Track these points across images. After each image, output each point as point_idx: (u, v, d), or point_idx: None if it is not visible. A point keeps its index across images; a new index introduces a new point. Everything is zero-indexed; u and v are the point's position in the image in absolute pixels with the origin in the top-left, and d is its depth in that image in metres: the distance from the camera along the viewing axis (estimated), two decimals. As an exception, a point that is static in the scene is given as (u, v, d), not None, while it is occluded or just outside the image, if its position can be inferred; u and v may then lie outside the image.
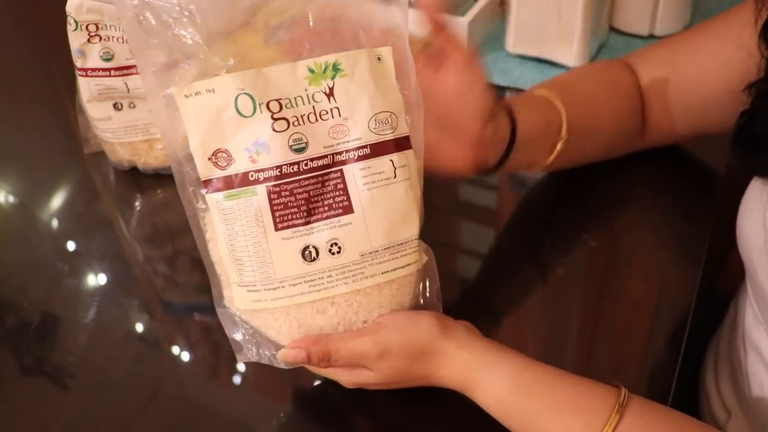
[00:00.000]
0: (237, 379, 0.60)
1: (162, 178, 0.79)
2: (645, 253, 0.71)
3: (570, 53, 0.88)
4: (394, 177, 0.50)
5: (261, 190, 0.48)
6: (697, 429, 0.49)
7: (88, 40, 0.72)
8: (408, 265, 0.51)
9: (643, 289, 0.67)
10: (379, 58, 0.50)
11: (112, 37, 0.72)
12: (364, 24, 0.50)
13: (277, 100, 0.48)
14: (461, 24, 0.89)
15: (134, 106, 0.76)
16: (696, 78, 0.67)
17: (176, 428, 0.57)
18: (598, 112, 0.67)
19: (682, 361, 0.58)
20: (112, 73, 0.74)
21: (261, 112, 0.47)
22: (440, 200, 0.73)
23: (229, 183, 0.48)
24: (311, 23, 0.49)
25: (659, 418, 0.49)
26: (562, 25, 0.87)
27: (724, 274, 0.98)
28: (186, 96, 0.47)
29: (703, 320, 0.71)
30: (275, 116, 0.48)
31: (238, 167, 0.48)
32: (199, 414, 0.58)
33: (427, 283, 0.54)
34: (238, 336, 0.52)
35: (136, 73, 0.74)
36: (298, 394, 0.59)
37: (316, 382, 0.59)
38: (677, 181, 0.76)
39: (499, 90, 0.89)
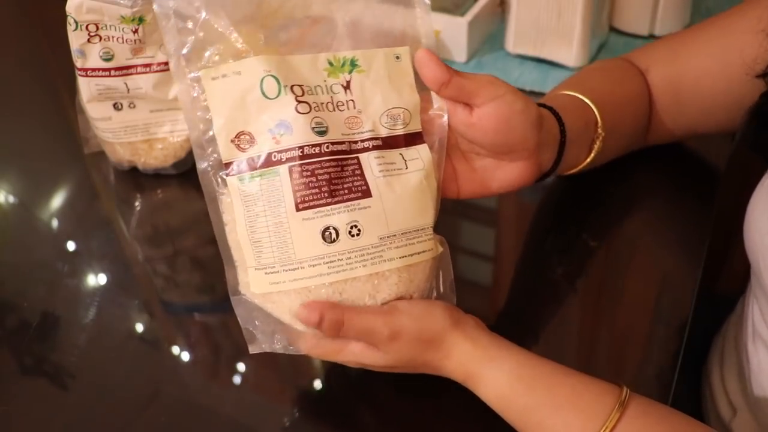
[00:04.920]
0: (237, 379, 0.60)
1: (162, 178, 0.79)
2: (645, 253, 0.71)
3: (570, 53, 0.88)
4: (406, 168, 0.51)
5: (284, 170, 0.48)
6: (696, 430, 0.49)
7: (88, 40, 0.72)
8: (424, 251, 0.51)
9: (643, 289, 0.67)
10: (397, 57, 0.52)
11: (112, 37, 0.72)
12: (385, 25, 0.52)
13: (299, 85, 0.50)
14: (461, 24, 0.89)
15: (134, 106, 0.76)
16: (696, 78, 0.67)
17: (176, 428, 0.57)
18: (619, 110, 0.67)
19: (683, 360, 0.58)
20: (112, 73, 0.74)
21: (285, 94, 0.49)
22: (441, 200, 0.73)
23: (251, 164, 0.49)
24: (335, 22, 0.51)
25: (659, 418, 0.49)
26: (562, 25, 0.87)
27: (725, 274, 0.98)
28: (213, 78, 0.49)
29: (703, 320, 0.71)
30: (299, 99, 0.49)
31: (260, 149, 0.49)
32: (199, 414, 0.58)
33: (442, 274, 0.54)
34: (251, 325, 0.52)
35: (136, 73, 0.74)
36: (298, 395, 0.59)
37: (317, 382, 0.59)
38: (677, 181, 0.76)
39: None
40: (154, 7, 0.49)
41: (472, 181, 0.57)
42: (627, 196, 0.75)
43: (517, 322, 0.64)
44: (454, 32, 0.90)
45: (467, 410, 0.53)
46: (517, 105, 0.52)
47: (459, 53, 0.91)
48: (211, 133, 0.49)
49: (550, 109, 0.60)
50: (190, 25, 0.49)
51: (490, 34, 0.97)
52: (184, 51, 0.49)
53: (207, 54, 0.49)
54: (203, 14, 0.49)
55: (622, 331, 0.63)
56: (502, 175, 0.56)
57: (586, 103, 0.64)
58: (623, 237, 0.72)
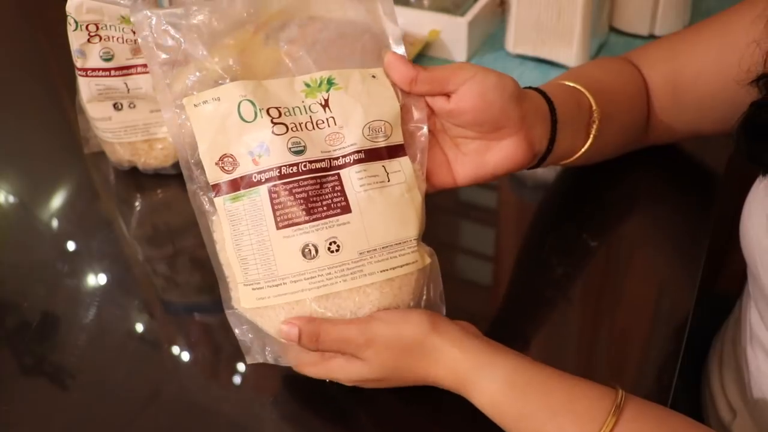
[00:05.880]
0: (237, 379, 0.60)
1: (162, 178, 0.79)
2: (645, 253, 0.71)
3: (570, 53, 0.88)
4: (388, 181, 0.52)
5: (263, 190, 0.50)
6: (694, 430, 0.49)
7: (88, 40, 0.72)
8: (407, 264, 0.52)
9: (643, 289, 0.67)
10: (373, 76, 0.54)
11: (112, 37, 0.72)
12: (360, 44, 0.54)
13: (276, 107, 0.51)
14: (461, 24, 0.89)
15: (134, 106, 0.76)
16: (694, 77, 0.67)
17: (176, 428, 0.57)
18: (614, 99, 0.67)
19: (682, 361, 0.58)
20: (112, 73, 0.74)
21: (261, 117, 0.50)
22: (441, 200, 0.73)
23: (235, 185, 0.50)
24: (310, 41, 0.53)
25: (656, 419, 0.49)
26: (562, 25, 0.87)
27: (724, 275, 0.98)
28: (195, 105, 0.51)
29: (703, 320, 0.71)
30: (275, 121, 0.50)
31: (243, 170, 0.50)
32: (199, 414, 0.58)
33: (431, 285, 0.54)
34: (245, 337, 0.54)
35: (136, 73, 0.74)
36: (298, 395, 0.59)
37: (316, 383, 0.59)
38: (677, 181, 0.77)
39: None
40: (138, 39, 0.51)
41: (466, 165, 0.57)
42: (627, 196, 0.75)
43: (517, 322, 0.64)
44: (454, 32, 0.91)
45: (467, 412, 0.53)
46: (490, 80, 0.53)
47: (459, 53, 0.91)
48: (197, 156, 0.51)
49: (536, 89, 0.60)
50: (171, 54, 0.51)
51: (490, 34, 0.97)
52: (168, 80, 0.51)
53: (188, 81, 0.51)
54: (183, 43, 0.51)
55: (621, 332, 0.63)
56: (495, 154, 0.56)
57: (578, 88, 0.64)
58: (623, 237, 0.72)
